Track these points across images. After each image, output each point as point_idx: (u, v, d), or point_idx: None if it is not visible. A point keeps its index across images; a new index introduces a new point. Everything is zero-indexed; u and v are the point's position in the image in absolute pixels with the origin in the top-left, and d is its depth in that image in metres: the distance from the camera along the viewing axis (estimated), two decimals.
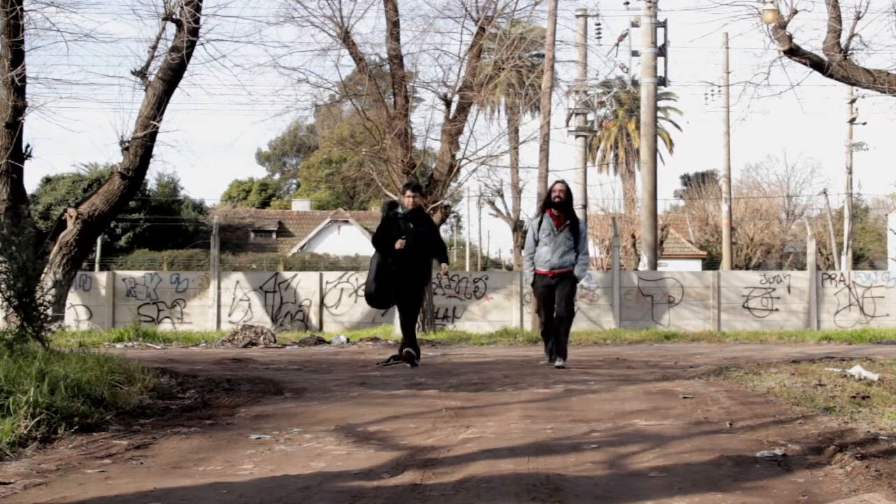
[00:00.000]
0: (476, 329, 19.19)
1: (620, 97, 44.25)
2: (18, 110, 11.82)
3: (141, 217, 37.19)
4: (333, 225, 42.69)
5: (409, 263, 9.08)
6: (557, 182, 9.24)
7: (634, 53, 23.30)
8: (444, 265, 9.33)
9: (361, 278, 20.65)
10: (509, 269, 34.68)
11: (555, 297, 9.05)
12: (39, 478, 3.70)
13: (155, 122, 12.50)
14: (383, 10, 16.43)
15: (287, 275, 21.20)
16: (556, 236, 9.00)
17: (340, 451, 4.29)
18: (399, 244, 8.94)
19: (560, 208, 9.02)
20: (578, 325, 18.35)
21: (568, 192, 9.10)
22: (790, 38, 10.33)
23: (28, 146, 12.16)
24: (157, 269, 30.76)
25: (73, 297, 18.77)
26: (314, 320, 20.49)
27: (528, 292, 20.10)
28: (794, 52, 10.38)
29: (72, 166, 50.17)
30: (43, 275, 8.76)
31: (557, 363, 8.93)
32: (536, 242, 9.16)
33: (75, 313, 19.41)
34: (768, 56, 10.98)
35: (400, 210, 9.18)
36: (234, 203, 53.38)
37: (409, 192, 9.22)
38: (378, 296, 9.21)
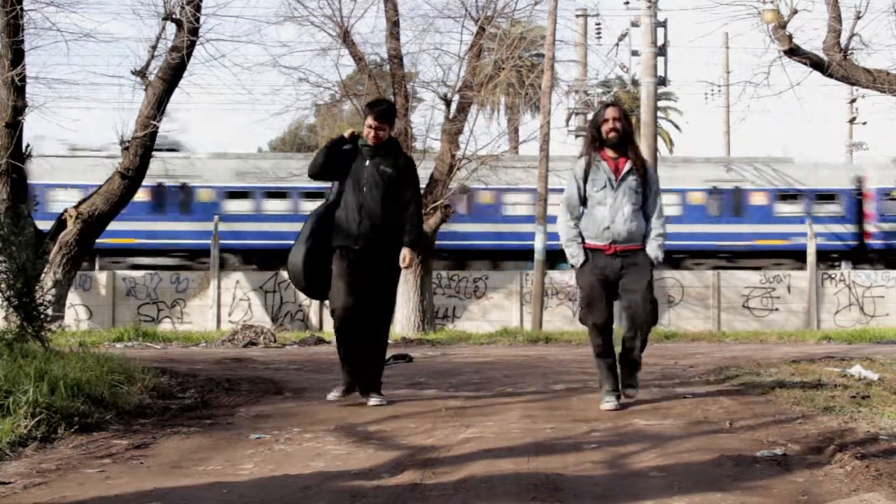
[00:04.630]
0: (476, 329, 19.18)
1: (620, 97, 44.26)
2: (18, 110, 11.82)
3: None
4: None
5: (369, 230, 5.65)
6: (608, 106, 5.78)
7: (634, 53, 23.29)
8: (405, 250, 5.74)
9: None
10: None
11: (617, 289, 5.67)
12: (39, 478, 3.70)
13: (155, 122, 12.50)
14: (383, 9, 16.43)
15: (287, 274, 21.17)
16: (616, 189, 5.62)
17: (340, 451, 4.29)
18: (351, 130, 5.85)
19: (618, 147, 5.67)
20: (576, 324, 18.35)
21: (626, 120, 5.72)
22: (790, 38, 10.33)
23: (28, 146, 12.16)
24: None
25: (73, 297, 18.76)
26: (314, 320, 20.49)
27: (528, 292, 20.08)
28: (794, 52, 10.38)
29: None
30: (43, 275, 8.76)
31: (629, 388, 5.79)
32: (584, 201, 5.72)
33: (75, 313, 19.41)
34: (768, 56, 11.00)
35: (360, 141, 5.84)
36: None
37: (370, 120, 5.72)
38: (308, 276, 5.74)
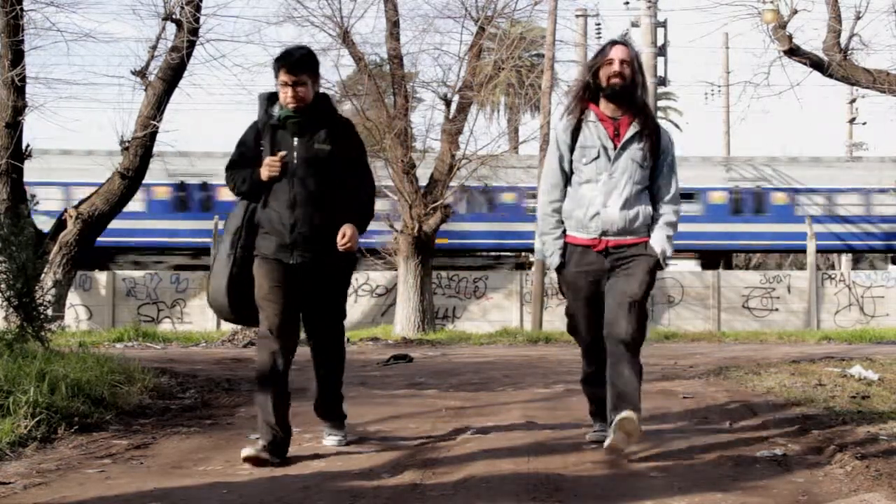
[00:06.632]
0: (476, 329, 19.17)
1: None
2: (18, 110, 11.81)
3: None
4: None
5: (307, 235, 4.13)
6: (615, 44, 4.16)
7: None
8: (346, 227, 4.12)
9: (361, 278, 20.59)
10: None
11: (606, 295, 4.14)
12: (39, 478, 3.70)
13: (155, 122, 12.49)
14: (383, 10, 16.43)
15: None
16: (614, 161, 4.11)
17: (340, 451, 4.29)
18: (269, 166, 4.10)
19: (619, 100, 4.12)
20: None
21: (637, 67, 4.15)
22: (790, 38, 10.34)
23: (28, 146, 12.16)
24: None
25: (73, 297, 18.74)
26: None
27: (528, 292, 20.09)
28: (794, 52, 10.39)
29: None
30: (43, 275, 8.75)
31: (628, 421, 3.92)
32: (568, 178, 4.24)
33: (75, 313, 19.39)
34: (768, 56, 11.04)
35: (277, 111, 4.18)
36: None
37: (283, 75, 4.08)
38: (237, 307, 4.24)
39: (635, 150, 4.11)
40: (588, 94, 4.15)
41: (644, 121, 4.12)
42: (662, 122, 4.33)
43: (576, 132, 4.16)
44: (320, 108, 4.23)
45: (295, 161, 4.14)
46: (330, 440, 4.48)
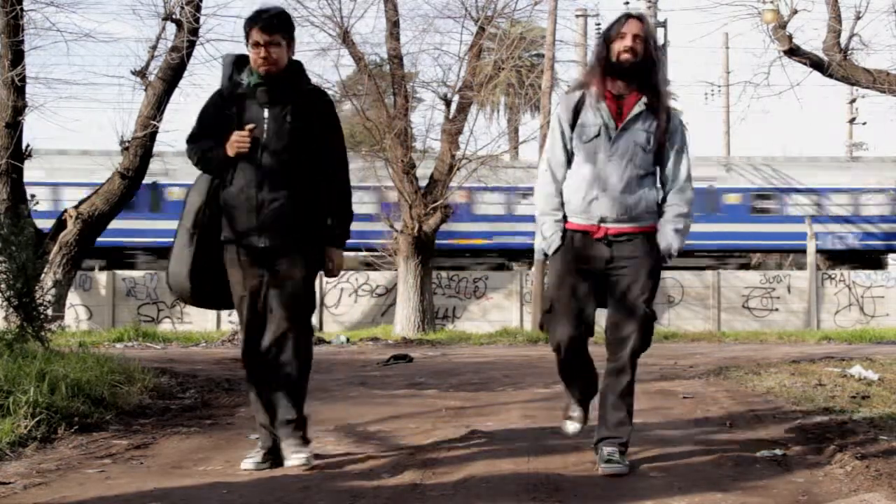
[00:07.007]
0: (476, 329, 19.17)
1: None
2: (18, 110, 11.81)
3: None
4: None
5: (276, 216, 3.76)
6: (630, 18, 3.78)
7: None
8: (332, 252, 3.90)
9: (361, 278, 20.60)
10: (509, 268, 34.78)
11: (601, 289, 3.84)
12: (39, 478, 3.70)
13: (155, 122, 12.50)
14: (383, 10, 16.44)
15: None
16: (615, 141, 3.75)
17: (340, 451, 4.29)
18: (237, 142, 3.70)
19: (629, 77, 3.76)
20: None
21: (651, 44, 3.78)
22: (790, 38, 10.35)
23: (28, 146, 12.17)
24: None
25: (73, 297, 18.74)
26: (314, 320, 20.45)
27: (528, 292, 20.07)
28: (794, 52, 10.40)
29: None
30: (43, 275, 8.76)
31: (607, 464, 3.74)
32: (569, 158, 3.87)
33: (75, 313, 19.39)
34: (768, 56, 11.07)
35: (245, 78, 3.81)
36: None
37: (256, 34, 3.71)
38: (199, 292, 3.92)
39: (638, 132, 3.74)
40: (606, 70, 3.77)
41: (652, 100, 3.74)
42: None
43: (577, 108, 3.82)
44: (294, 76, 3.83)
45: (265, 135, 3.74)
46: (295, 459, 3.80)
